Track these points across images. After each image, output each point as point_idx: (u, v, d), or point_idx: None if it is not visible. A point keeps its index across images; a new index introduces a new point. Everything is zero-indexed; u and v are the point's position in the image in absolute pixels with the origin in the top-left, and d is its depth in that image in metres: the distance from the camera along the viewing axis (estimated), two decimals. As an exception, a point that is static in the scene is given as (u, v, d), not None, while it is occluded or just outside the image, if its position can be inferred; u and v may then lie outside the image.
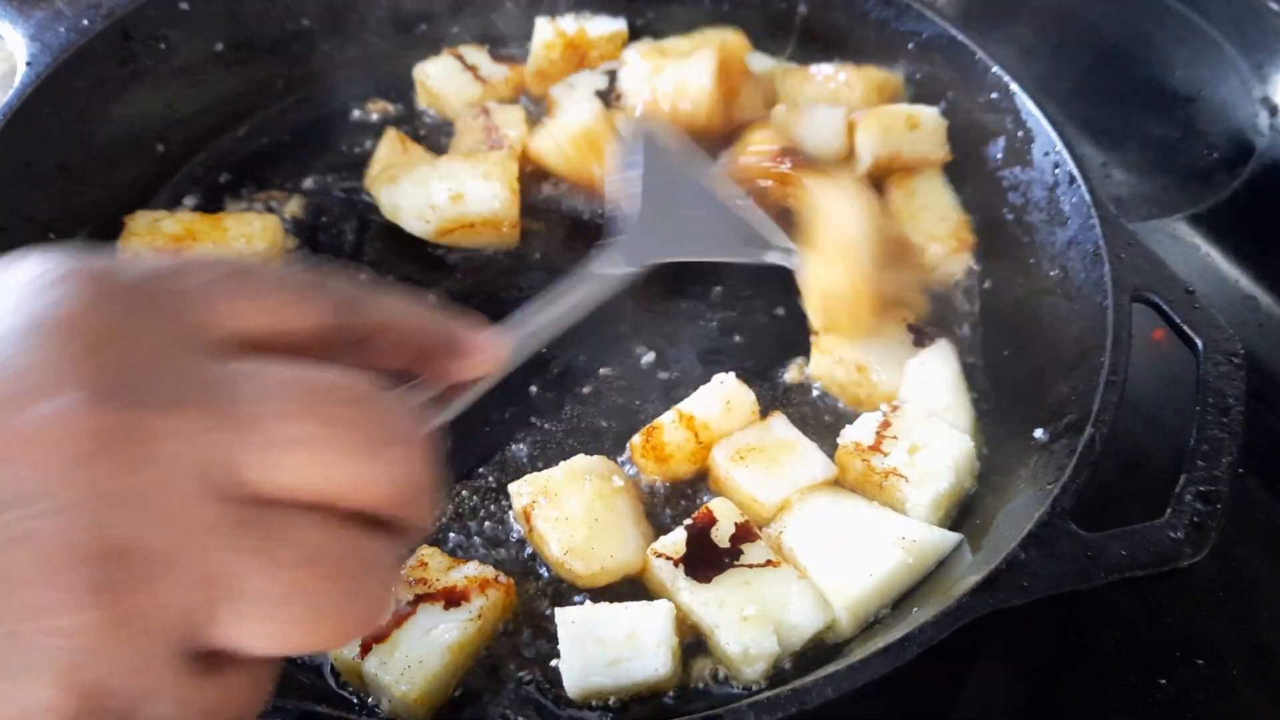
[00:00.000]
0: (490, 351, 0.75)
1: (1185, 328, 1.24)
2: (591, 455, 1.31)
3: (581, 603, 1.19)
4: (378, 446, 0.58)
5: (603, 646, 1.12)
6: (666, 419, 1.32)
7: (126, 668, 0.51)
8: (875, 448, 1.30)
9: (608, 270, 1.11)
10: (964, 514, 1.30)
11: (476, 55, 1.79)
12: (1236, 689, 1.27)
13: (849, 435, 1.33)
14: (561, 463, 1.28)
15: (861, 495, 1.30)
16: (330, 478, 0.57)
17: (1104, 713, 1.25)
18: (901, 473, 1.27)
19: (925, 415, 1.34)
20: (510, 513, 1.29)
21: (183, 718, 0.55)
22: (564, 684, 1.12)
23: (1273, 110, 1.98)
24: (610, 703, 1.13)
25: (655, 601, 1.16)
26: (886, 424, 1.32)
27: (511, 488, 1.27)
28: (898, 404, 1.35)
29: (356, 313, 0.65)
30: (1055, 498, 1.10)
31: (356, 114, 1.77)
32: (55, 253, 0.57)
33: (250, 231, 1.50)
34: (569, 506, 1.23)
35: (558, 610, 1.16)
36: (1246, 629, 1.32)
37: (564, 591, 1.23)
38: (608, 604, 1.17)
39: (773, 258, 1.35)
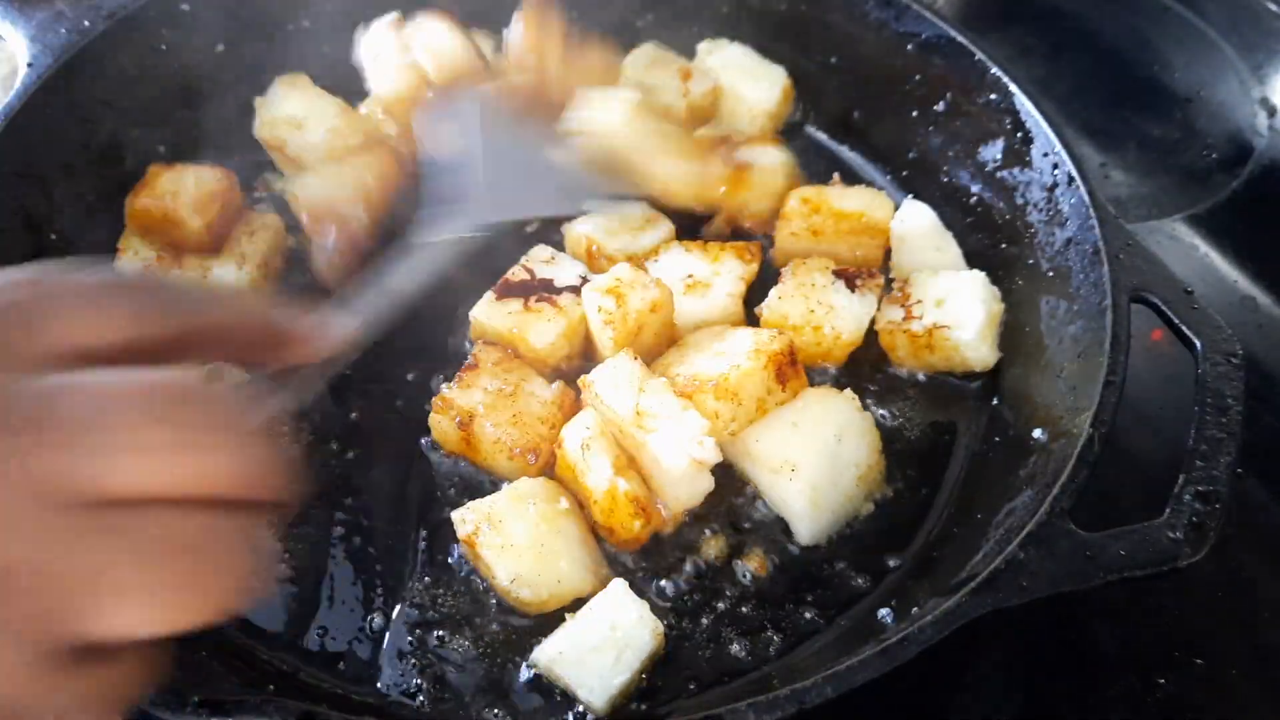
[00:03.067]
0: (316, 339, 0.78)
1: (1184, 328, 1.24)
2: (535, 479, 1.28)
3: (538, 643, 1.18)
4: (209, 438, 0.60)
5: (600, 652, 1.13)
6: None
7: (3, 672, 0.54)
8: (909, 318, 1.44)
9: (445, 236, 1.15)
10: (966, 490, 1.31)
11: (483, 44, 1.79)
12: (1235, 688, 1.27)
13: (885, 317, 1.47)
14: (505, 486, 1.26)
15: (919, 363, 1.47)
16: (170, 473, 0.59)
17: (1103, 712, 1.25)
18: (941, 324, 1.41)
19: (929, 271, 1.49)
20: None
21: (59, 711, 0.57)
22: (596, 707, 1.13)
23: (1271, 111, 1.99)
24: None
25: (607, 588, 1.18)
26: (905, 296, 1.47)
27: (454, 515, 1.24)
28: (903, 277, 1.51)
29: (175, 315, 0.68)
30: (1054, 497, 1.10)
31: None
32: None
33: (253, 228, 1.52)
34: (513, 533, 1.20)
35: (536, 657, 1.16)
36: (1245, 628, 1.32)
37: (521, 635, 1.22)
38: (569, 619, 1.17)
39: (592, 204, 1.47)
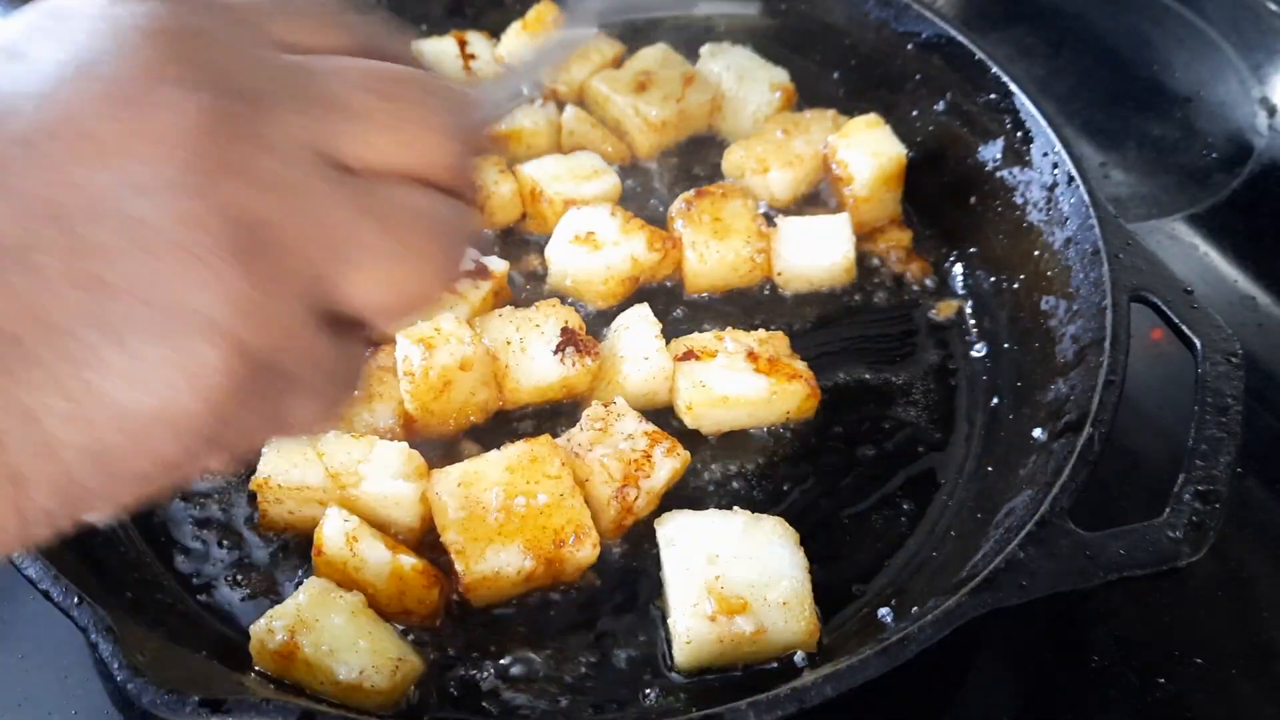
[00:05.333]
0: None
1: (1184, 327, 1.24)
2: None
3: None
4: (446, 125, 0.65)
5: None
6: None
7: (272, 324, 0.56)
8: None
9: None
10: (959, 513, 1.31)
11: (481, 45, 1.79)
12: (1235, 688, 1.27)
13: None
14: (299, 590, 1.14)
15: None
16: (410, 151, 0.64)
17: (1103, 712, 1.25)
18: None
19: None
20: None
21: (310, 375, 0.60)
22: None
23: (1271, 110, 1.99)
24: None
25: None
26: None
27: (254, 630, 1.11)
28: None
29: (381, 43, 0.70)
30: (1054, 497, 1.10)
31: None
32: None
33: None
34: (336, 626, 1.11)
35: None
36: (1245, 628, 1.32)
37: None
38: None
39: None
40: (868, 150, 1.59)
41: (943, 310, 1.56)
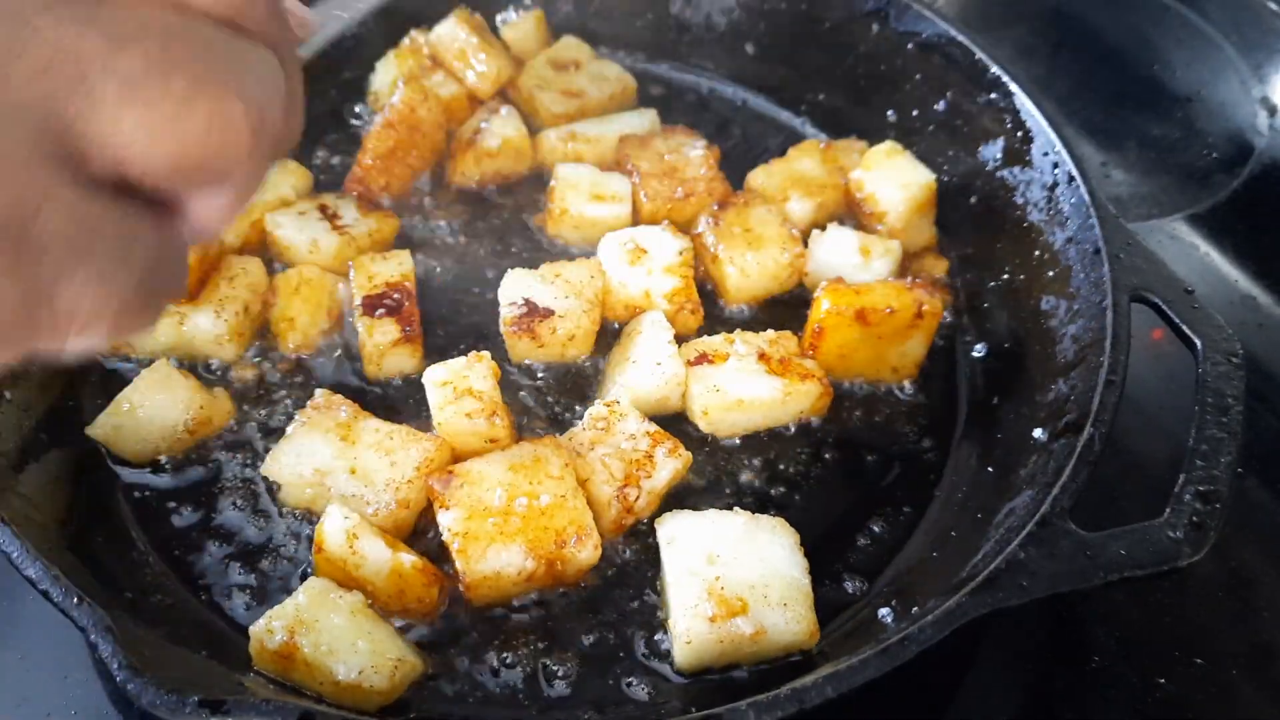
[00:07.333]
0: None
1: (1184, 327, 1.24)
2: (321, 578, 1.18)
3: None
4: None
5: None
6: None
7: (4, 177, 0.45)
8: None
9: None
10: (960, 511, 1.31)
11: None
12: (1235, 688, 1.27)
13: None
14: (297, 591, 1.14)
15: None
16: None
17: (1103, 711, 1.25)
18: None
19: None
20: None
21: (86, 248, 0.49)
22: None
23: (1271, 110, 1.99)
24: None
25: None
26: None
27: (254, 630, 1.11)
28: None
29: None
30: (1054, 497, 1.10)
31: (355, 118, 1.78)
32: None
33: (233, 273, 1.45)
34: (335, 626, 1.11)
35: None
36: (1245, 628, 1.32)
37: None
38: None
39: None
40: (895, 182, 1.57)
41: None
